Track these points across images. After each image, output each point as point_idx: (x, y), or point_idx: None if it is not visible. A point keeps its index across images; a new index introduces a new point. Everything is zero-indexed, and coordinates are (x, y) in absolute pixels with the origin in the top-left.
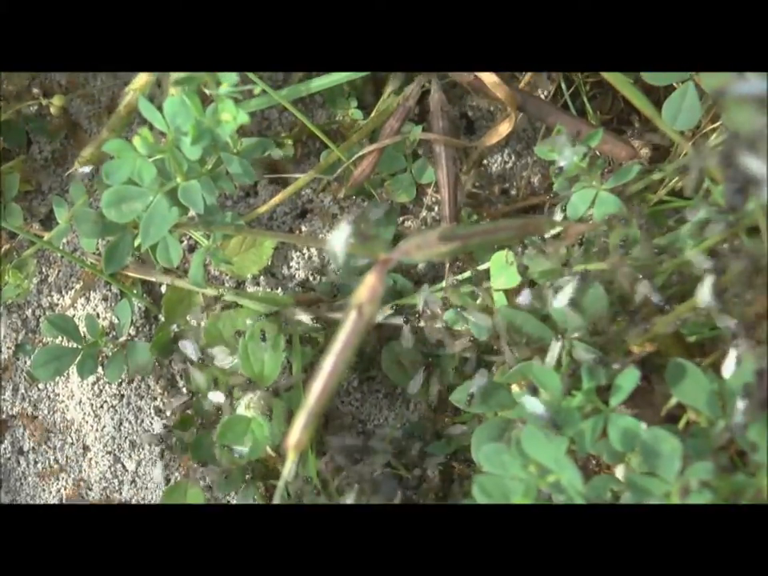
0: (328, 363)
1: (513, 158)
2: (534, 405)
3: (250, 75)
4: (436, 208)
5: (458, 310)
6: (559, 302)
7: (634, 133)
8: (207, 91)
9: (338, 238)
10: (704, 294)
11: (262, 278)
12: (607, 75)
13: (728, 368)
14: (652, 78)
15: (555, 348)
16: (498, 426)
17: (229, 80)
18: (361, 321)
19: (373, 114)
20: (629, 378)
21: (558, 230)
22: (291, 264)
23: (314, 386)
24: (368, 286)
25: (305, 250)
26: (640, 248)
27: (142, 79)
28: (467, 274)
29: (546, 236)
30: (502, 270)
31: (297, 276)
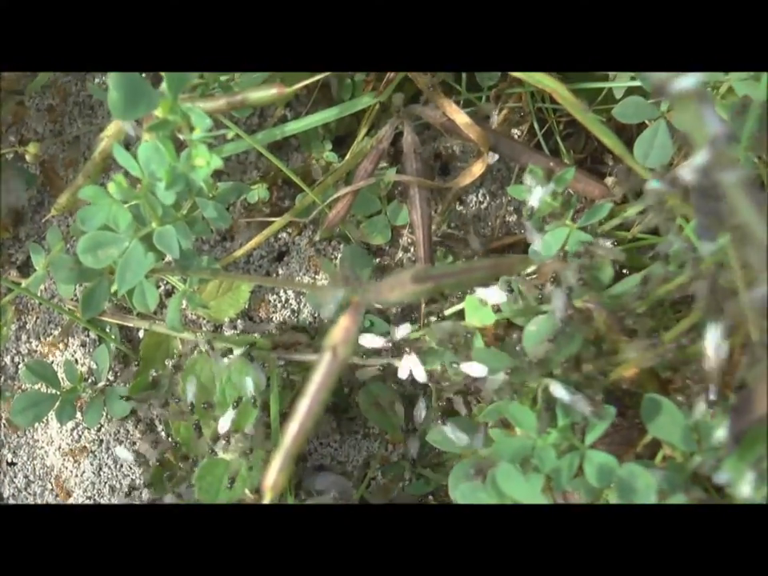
0: (303, 405)
1: (488, 198)
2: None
3: (223, 120)
4: (412, 249)
5: (434, 349)
6: (534, 340)
7: (608, 171)
8: (181, 136)
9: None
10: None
11: (239, 321)
12: (578, 115)
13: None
14: (622, 116)
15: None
16: (474, 465)
17: (202, 125)
18: (335, 362)
19: (348, 157)
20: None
21: (533, 268)
22: (268, 307)
23: (289, 428)
24: (342, 328)
25: (281, 293)
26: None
27: (116, 126)
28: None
29: (522, 274)
30: (476, 310)
31: (274, 319)
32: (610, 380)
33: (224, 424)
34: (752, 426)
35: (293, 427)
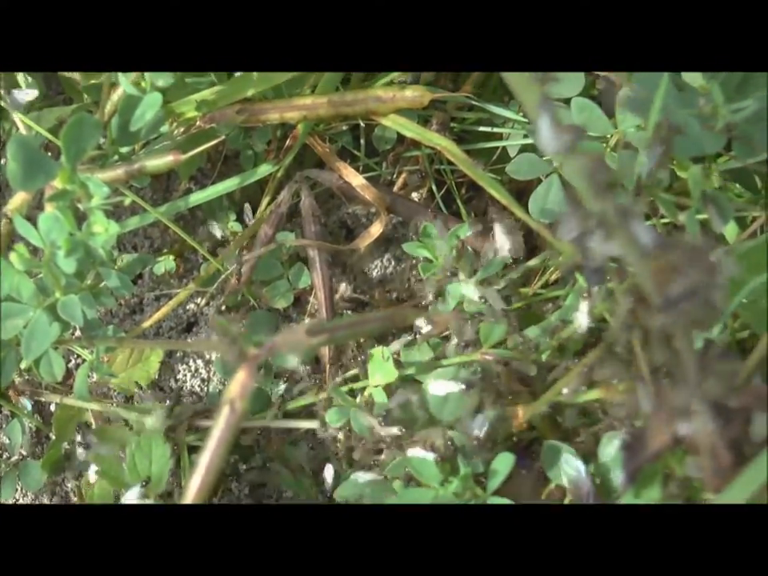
0: (203, 460)
1: (393, 262)
2: None
3: (126, 191)
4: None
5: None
6: (434, 394)
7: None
8: (80, 206)
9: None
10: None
11: (149, 391)
12: (470, 171)
13: (601, 448)
14: (516, 172)
15: (435, 437)
16: None
17: (99, 194)
18: (233, 416)
19: (252, 223)
20: (503, 462)
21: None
22: (178, 377)
23: (191, 483)
24: (239, 382)
25: (191, 363)
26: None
27: (19, 198)
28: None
29: (423, 331)
30: (379, 367)
31: (184, 388)
32: (512, 429)
33: (131, 496)
34: (646, 463)
35: (194, 482)
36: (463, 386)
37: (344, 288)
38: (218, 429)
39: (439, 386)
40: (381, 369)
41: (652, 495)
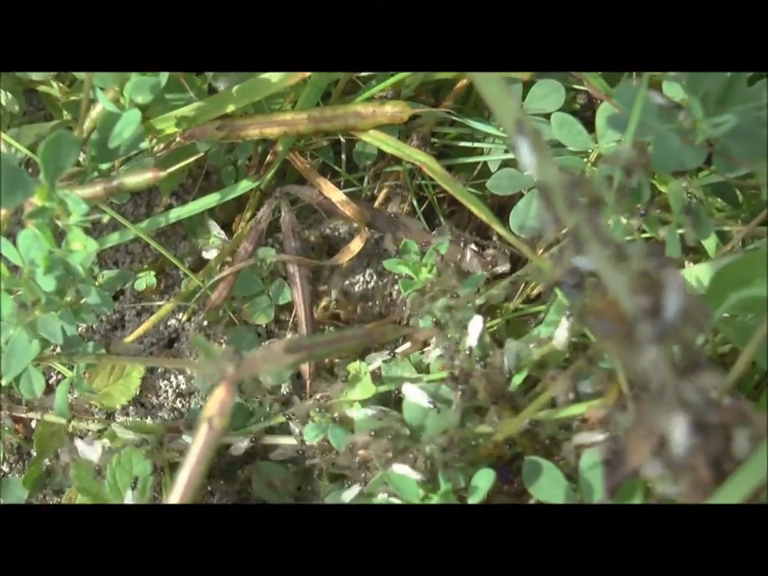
0: (182, 477)
1: (374, 277)
2: None
3: (105, 208)
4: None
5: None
6: (413, 410)
7: (492, 246)
8: (59, 223)
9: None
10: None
11: (131, 408)
12: (448, 186)
13: (582, 461)
14: (496, 187)
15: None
16: None
17: (78, 210)
18: (212, 434)
19: (232, 240)
20: (484, 478)
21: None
22: (160, 393)
23: (170, 501)
24: (217, 400)
25: (173, 379)
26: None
27: None
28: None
29: (404, 347)
30: (357, 381)
31: (166, 404)
32: (492, 445)
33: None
34: (626, 478)
35: (173, 499)
36: (434, 401)
37: (325, 304)
38: (197, 446)
39: (414, 392)
40: (359, 383)
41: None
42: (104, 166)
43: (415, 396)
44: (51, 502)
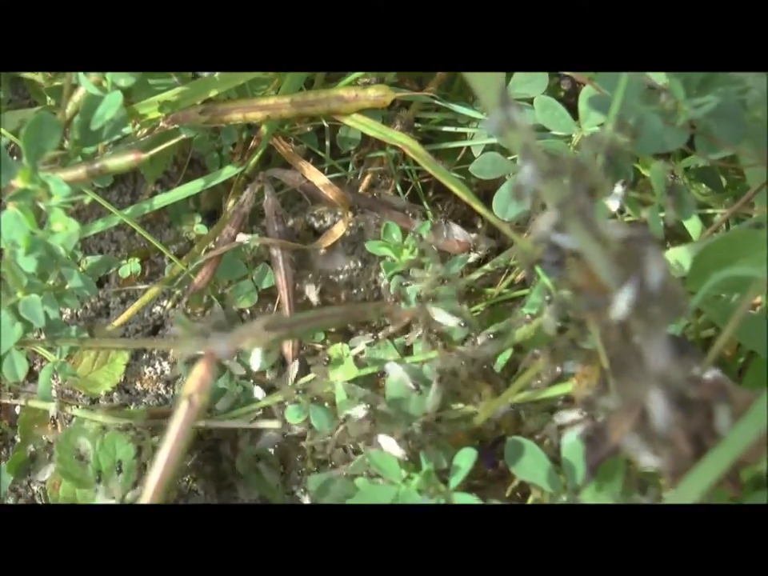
0: (162, 455)
1: (360, 263)
2: None
3: (89, 192)
4: None
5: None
6: (396, 392)
7: (477, 230)
8: (42, 206)
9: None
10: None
11: (115, 394)
12: (430, 168)
13: (564, 441)
14: (480, 171)
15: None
16: None
17: (60, 192)
18: (192, 411)
19: (216, 225)
20: (466, 458)
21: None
22: (144, 379)
23: (149, 479)
24: (197, 377)
25: (157, 365)
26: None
27: None
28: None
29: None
30: (340, 363)
31: (150, 391)
32: (474, 427)
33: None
34: (607, 456)
35: (153, 477)
36: (417, 382)
37: (309, 290)
38: (177, 423)
39: (397, 370)
40: (342, 364)
41: (613, 488)
42: (88, 151)
43: (398, 374)
44: (35, 489)
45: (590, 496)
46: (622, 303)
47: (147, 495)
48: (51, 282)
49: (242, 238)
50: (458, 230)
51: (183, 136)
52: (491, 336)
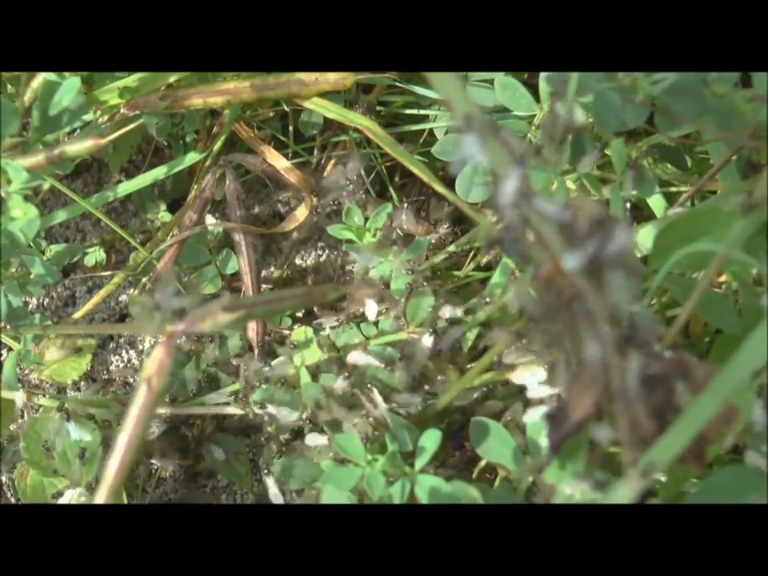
0: (122, 438)
1: (326, 250)
2: None
3: (53, 181)
4: None
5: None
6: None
7: (442, 214)
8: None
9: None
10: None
11: (82, 383)
12: (390, 149)
13: (527, 419)
14: (442, 153)
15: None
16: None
17: (18, 178)
18: (151, 394)
19: (179, 211)
20: (431, 439)
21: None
22: (111, 368)
23: (110, 463)
24: (156, 360)
25: (124, 354)
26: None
27: None
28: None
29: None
30: (303, 346)
31: (117, 379)
32: (439, 409)
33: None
34: (569, 433)
35: (113, 462)
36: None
37: (275, 277)
38: (136, 407)
39: (360, 358)
40: (305, 348)
41: (576, 466)
42: (50, 138)
43: (362, 362)
44: (3, 479)
45: (553, 474)
46: (571, 262)
47: (107, 479)
48: (13, 270)
49: (208, 221)
50: (415, 214)
51: (141, 121)
52: (457, 315)
